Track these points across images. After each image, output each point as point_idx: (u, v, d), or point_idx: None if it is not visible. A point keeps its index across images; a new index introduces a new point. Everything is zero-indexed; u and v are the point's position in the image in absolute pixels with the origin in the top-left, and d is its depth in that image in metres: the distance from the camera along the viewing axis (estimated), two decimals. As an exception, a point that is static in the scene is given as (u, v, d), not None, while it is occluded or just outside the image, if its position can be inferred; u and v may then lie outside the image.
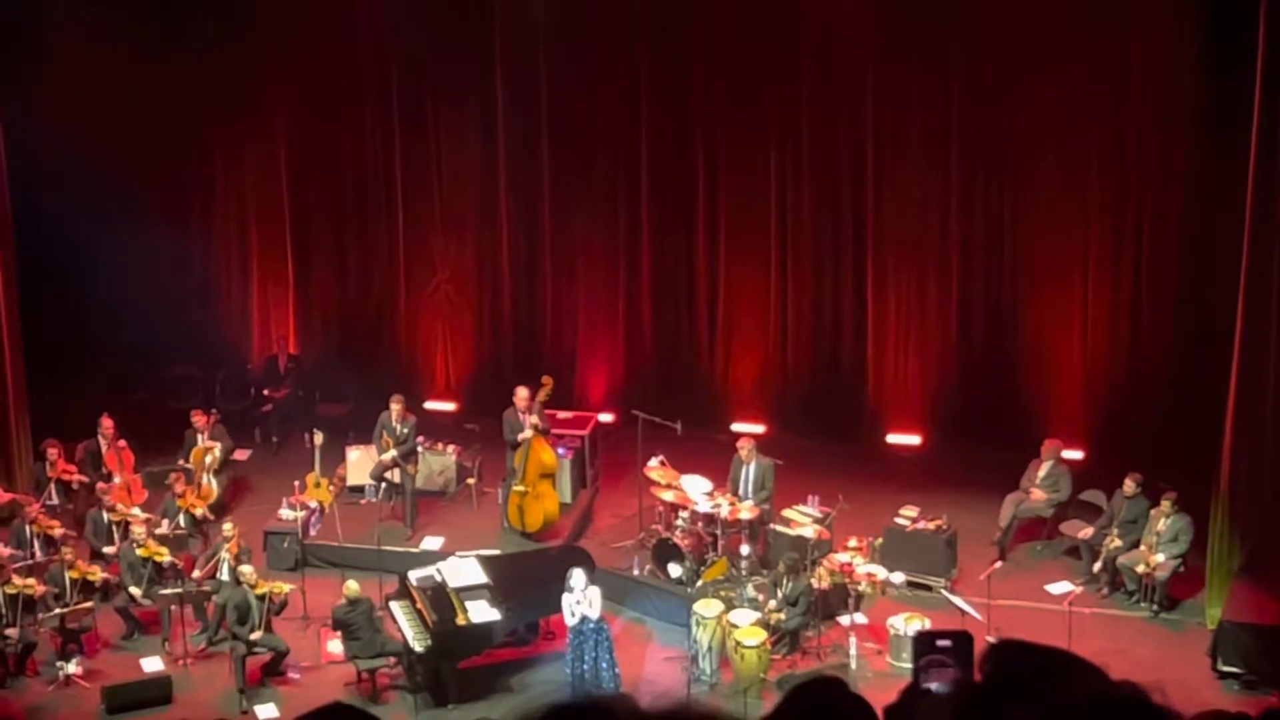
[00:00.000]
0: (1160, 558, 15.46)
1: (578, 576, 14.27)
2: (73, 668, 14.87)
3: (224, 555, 15.67)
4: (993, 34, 17.60)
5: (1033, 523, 16.92)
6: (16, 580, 15.02)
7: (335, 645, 15.06)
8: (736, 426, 18.58)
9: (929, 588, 15.82)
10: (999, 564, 15.82)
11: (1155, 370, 17.69)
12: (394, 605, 15.04)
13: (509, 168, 19.68)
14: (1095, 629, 14.75)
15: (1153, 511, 15.68)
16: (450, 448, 18.26)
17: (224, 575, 15.59)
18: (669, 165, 19.27)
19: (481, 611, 14.73)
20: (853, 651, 14.87)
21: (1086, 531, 16.25)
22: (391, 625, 14.94)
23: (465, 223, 20.09)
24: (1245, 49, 14.57)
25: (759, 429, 18.58)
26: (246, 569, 15.11)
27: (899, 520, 16.32)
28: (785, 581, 14.97)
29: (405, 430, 17.39)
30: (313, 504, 17.11)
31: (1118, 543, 15.78)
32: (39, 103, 18.90)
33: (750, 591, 15.28)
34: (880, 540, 16.10)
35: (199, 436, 17.87)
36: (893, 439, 18.96)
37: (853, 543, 15.78)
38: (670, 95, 19.10)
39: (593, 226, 19.61)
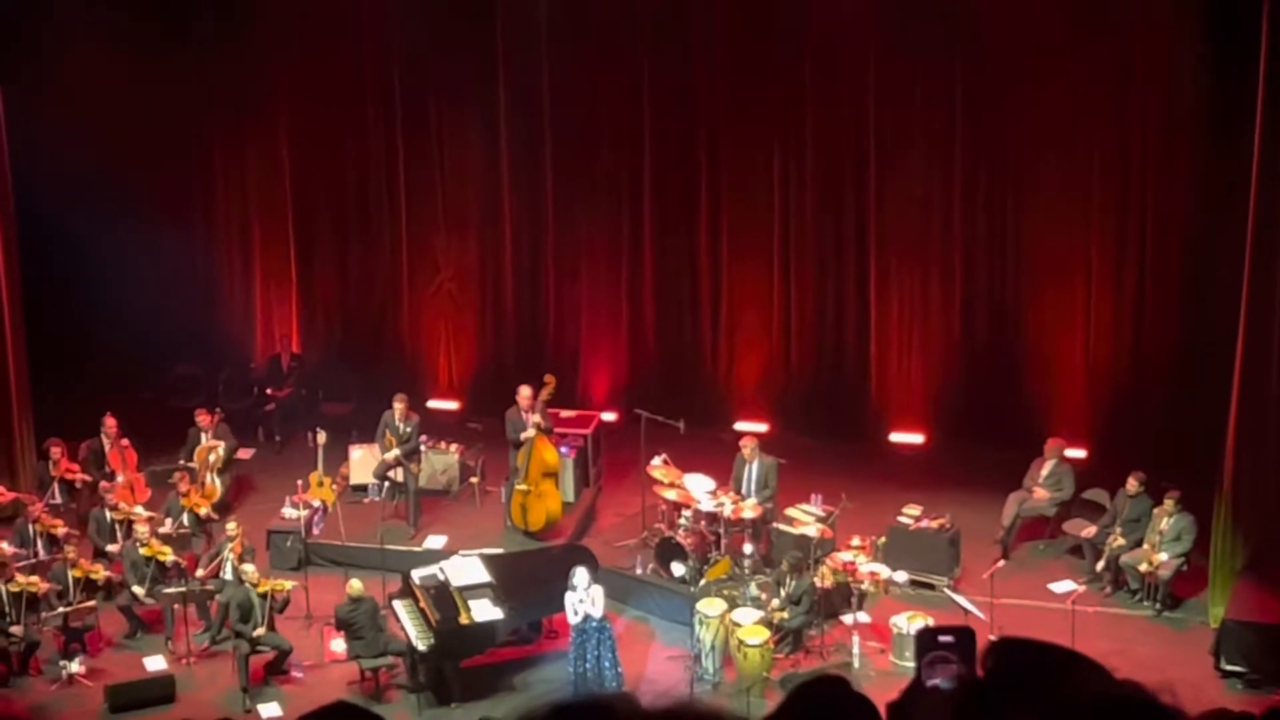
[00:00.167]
0: (1163, 556, 15.45)
1: (581, 575, 14.27)
2: (76, 667, 14.88)
3: (228, 554, 15.67)
4: (995, 34, 17.60)
5: (1036, 521, 16.92)
6: (20, 578, 15.04)
7: (338, 644, 15.07)
8: (739, 425, 18.59)
9: (932, 586, 15.83)
10: (1002, 563, 15.81)
11: (1158, 369, 17.68)
12: (397, 604, 15.05)
13: (511, 167, 19.68)
14: (1098, 628, 14.75)
15: (1156, 510, 15.68)
16: (453, 446, 18.27)
17: (227, 574, 15.59)
18: (671, 164, 19.27)
19: (484, 610, 14.74)
20: (856, 650, 14.89)
21: (1089, 530, 16.25)
22: (395, 624, 14.95)
23: (468, 222, 20.10)
24: (1248, 49, 14.55)
25: (762, 428, 18.59)
26: (249, 568, 15.12)
27: (902, 519, 16.32)
28: (788, 580, 14.97)
29: (408, 429, 17.40)
30: (316, 503, 17.11)
31: (1121, 541, 15.78)
32: (41, 103, 18.89)
33: (753, 590, 15.28)
34: (883, 539, 16.11)
35: (203, 435, 17.88)
36: (896, 438, 18.96)
37: (856, 541, 15.78)
38: (672, 95, 19.11)
39: (595, 225, 19.62)
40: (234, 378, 20.39)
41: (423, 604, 14.79)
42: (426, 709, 14.47)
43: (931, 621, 14.39)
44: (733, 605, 14.95)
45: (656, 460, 16.64)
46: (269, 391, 19.91)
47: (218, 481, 17.65)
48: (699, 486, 16.31)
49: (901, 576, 15.55)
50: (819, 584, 15.05)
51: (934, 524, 16.20)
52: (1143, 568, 15.53)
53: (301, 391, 20.01)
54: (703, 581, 15.62)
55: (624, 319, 19.78)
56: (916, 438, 18.89)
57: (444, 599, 14.77)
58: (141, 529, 15.88)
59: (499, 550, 16.19)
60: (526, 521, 16.89)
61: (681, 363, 19.71)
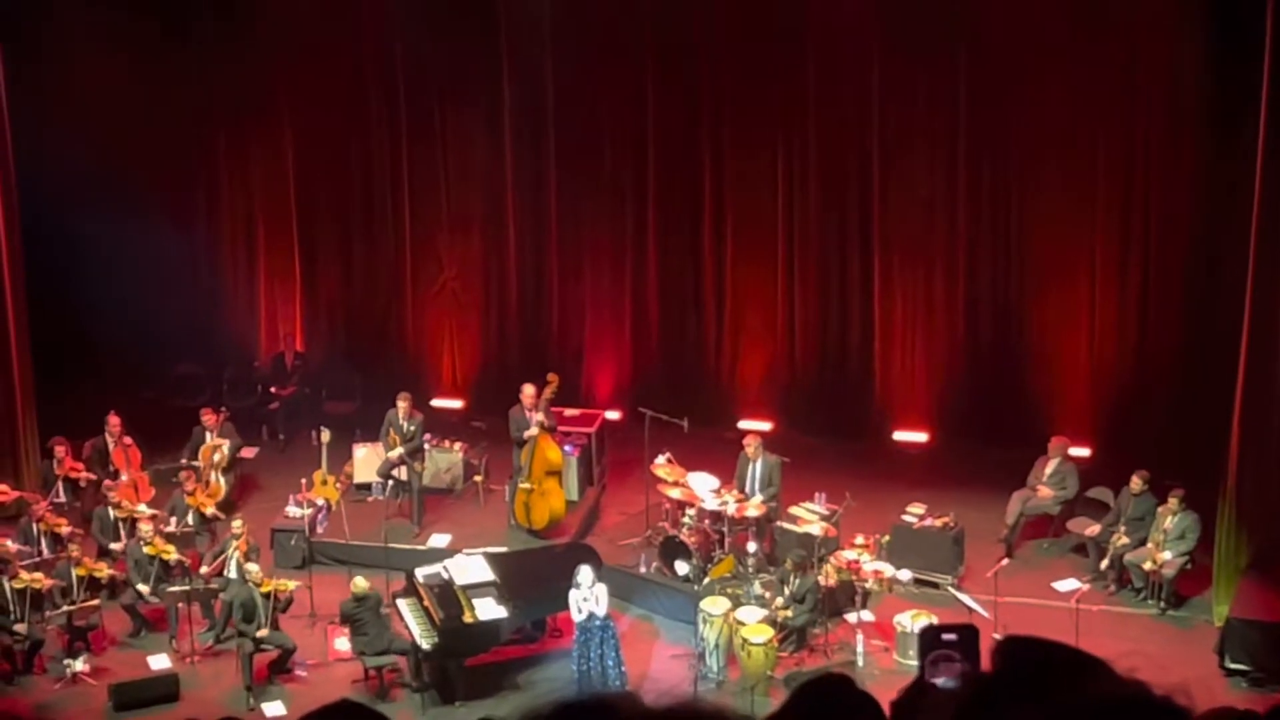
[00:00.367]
0: (1167, 555, 15.45)
1: (585, 574, 14.28)
2: (80, 665, 14.89)
3: (232, 552, 15.68)
4: (998, 33, 17.60)
5: (1040, 520, 16.92)
6: (24, 575, 15.06)
7: (343, 643, 15.07)
8: (743, 424, 18.60)
9: (936, 585, 15.83)
10: (1006, 561, 15.81)
11: (1162, 367, 17.68)
12: (401, 603, 15.06)
13: (515, 166, 19.67)
14: (1102, 626, 14.74)
15: (1160, 509, 15.68)
16: (457, 445, 18.27)
17: (231, 573, 15.60)
18: (675, 164, 19.27)
19: (488, 609, 14.74)
20: (860, 649, 14.89)
21: (1093, 529, 16.24)
22: (399, 623, 14.95)
23: (472, 221, 20.10)
24: (1252, 48, 14.55)
25: (766, 426, 18.60)
26: (252, 567, 15.12)
27: (906, 517, 16.32)
28: (792, 579, 14.97)
29: (412, 428, 17.40)
30: (320, 501, 17.13)
31: (1125, 540, 15.78)
32: (44, 103, 18.93)
33: (757, 589, 15.27)
34: (887, 537, 16.11)
35: (208, 434, 17.89)
36: (900, 436, 18.96)
37: (860, 540, 15.78)
38: (676, 94, 19.10)
39: (599, 225, 19.62)
40: (238, 376, 20.39)
41: (427, 602, 14.80)
42: (430, 707, 14.47)
43: (935, 620, 14.39)
44: (737, 604, 14.95)
45: (660, 459, 16.64)
46: (273, 390, 19.92)
47: (222, 480, 17.66)
48: (703, 485, 16.32)
49: (905, 575, 15.55)
50: (823, 582, 15.05)
51: (938, 522, 16.20)
52: (1147, 566, 15.52)
53: (305, 390, 20.01)
54: (707, 580, 15.61)
55: (628, 317, 19.78)
56: (920, 436, 18.89)
57: (448, 597, 14.78)
58: (145, 527, 15.89)
59: (503, 549, 16.19)
60: (530, 520, 16.90)
61: (685, 361, 19.71)
